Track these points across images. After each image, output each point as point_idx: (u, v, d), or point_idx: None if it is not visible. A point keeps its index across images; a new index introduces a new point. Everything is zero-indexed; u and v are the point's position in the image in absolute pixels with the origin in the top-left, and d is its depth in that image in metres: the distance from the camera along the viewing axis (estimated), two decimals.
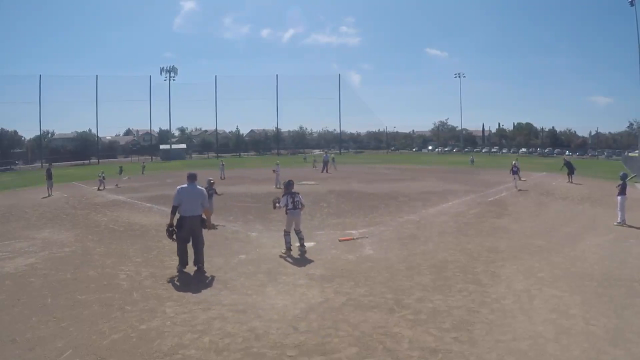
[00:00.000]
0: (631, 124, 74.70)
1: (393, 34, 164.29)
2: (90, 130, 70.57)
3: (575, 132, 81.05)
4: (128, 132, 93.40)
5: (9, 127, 68.21)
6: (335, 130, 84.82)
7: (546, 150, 70.22)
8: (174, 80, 69.01)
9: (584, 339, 4.57)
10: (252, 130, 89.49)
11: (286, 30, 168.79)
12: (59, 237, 10.34)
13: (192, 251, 7.27)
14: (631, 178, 14.64)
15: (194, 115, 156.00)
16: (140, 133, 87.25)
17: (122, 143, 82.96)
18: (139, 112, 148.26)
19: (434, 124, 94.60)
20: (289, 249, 8.24)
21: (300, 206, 8.39)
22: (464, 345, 4.45)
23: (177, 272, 7.11)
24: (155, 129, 79.08)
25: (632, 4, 37.73)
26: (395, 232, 10.36)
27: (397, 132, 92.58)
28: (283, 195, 8.42)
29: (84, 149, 65.23)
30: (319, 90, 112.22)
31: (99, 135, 69.58)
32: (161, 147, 69.78)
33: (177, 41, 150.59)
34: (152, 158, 63.19)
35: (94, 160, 59.05)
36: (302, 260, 7.84)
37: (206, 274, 6.99)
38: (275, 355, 4.31)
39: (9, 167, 51.25)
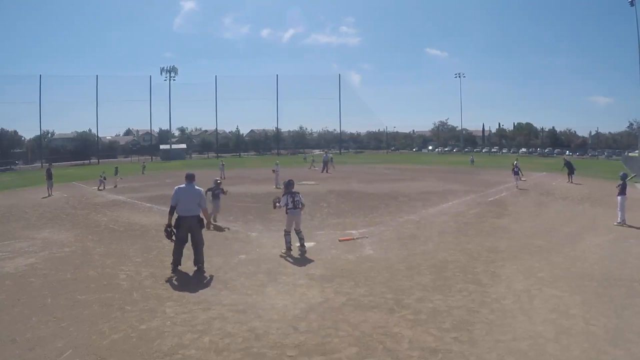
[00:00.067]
0: (631, 124, 74.85)
1: (393, 34, 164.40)
2: (90, 130, 70.63)
3: (575, 132, 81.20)
4: (128, 132, 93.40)
5: (9, 127, 68.32)
6: (335, 130, 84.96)
7: (546, 150, 70.22)
8: (174, 80, 69.08)
9: (584, 339, 4.57)
10: (252, 130, 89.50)
11: (286, 30, 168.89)
12: (59, 237, 10.34)
13: (192, 251, 7.28)
14: (631, 178, 14.64)
15: (194, 115, 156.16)
16: (140, 133, 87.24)
17: (122, 143, 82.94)
18: (139, 112, 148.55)
19: (434, 124, 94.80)
20: (289, 248, 8.24)
21: (300, 206, 8.39)
22: (464, 345, 4.45)
23: (171, 271, 7.12)
24: (155, 129, 79.18)
25: (632, 4, 37.73)
26: (395, 232, 10.36)
27: (397, 132, 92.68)
28: (283, 195, 8.42)
29: (84, 149, 65.20)
30: (319, 90, 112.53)
31: (99, 135, 69.66)
32: (161, 147, 69.75)
33: (177, 41, 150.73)
34: (152, 158, 63.19)
35: (94, 160, 59.06)
36: (302, 260, 7.84)
37: (206, 274, 6.99)
38: (275, 355, 4.31)
39: (9, 167, 51.23)
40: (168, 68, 68.98)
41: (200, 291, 6.22)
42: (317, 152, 63.86)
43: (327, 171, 29.83)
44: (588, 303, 5.61)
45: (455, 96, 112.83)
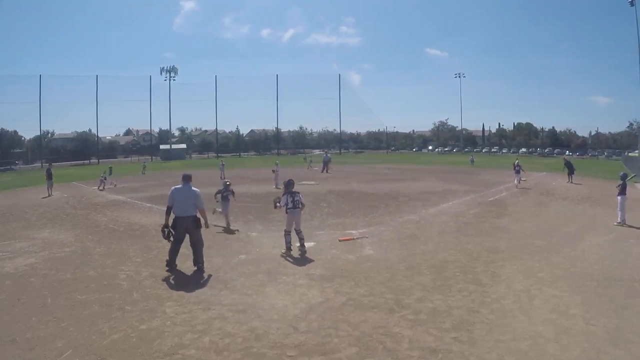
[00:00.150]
0: (631, 124, 74.82)
1: (393, 34, 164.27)
2: (90, 130, 70.55)
3: (575, 132, 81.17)
4: (128, 132, 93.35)
5: (9, 127, 68.21)
6: (335, 130, 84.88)
7: (546, 150, 70.21)
8: (174, 80, 69.01)
9: (584, 339, 4.57)
10: (252, 130, 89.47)
11: (286, 30, 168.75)
12: (59, 237, 10.34)
13: (192, 251, 7.29)
14: (631, 178, 14.64)
15: (194, 115, 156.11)
16: (140, 133, 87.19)
17: (122, 143, 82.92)
18: (139, 112, 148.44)
19: (434, 124, 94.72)
20: (289, 248, 8.25)
21: (300, 205, 8.39)
22: (464, 345, 4.45)
23: (166, 270, 7.14)
24: (155, 129, 79.12)
25: (632, 4, 37.70)
26: (395, 232, 10.36)
27: (397, 132, 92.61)
28: (283, 195, 8.43)
29: (84, 149, 65.16)
30: (319, 90, 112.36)
31: (99, 135, 69.56)
32: (161, 147, 69.71)
33: (177, 41, 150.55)
34: (152, 158, 63.16)
35: (94, 160, 59.01)
36: (302, 260, 7.84)
37: (206, 274, 6.99)
38: (275, 355, 4.31)
39: (9, 167, 51.20)
40: (168, 68, 68.95)
41: (200, 291, 6.22)
42: (317, 152, 63.86)
43: (327, 171, 29.81)
44: (588, 303, 5.61)
45: (455, 96, 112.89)
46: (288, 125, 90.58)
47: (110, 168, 25.14)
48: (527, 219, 12.18)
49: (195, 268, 7.17)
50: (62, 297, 6.02)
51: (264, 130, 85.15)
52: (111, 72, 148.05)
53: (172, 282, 6.70)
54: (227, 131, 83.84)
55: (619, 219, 10.98)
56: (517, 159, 23.71)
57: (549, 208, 14.17)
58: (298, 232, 8.33)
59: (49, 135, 72.20)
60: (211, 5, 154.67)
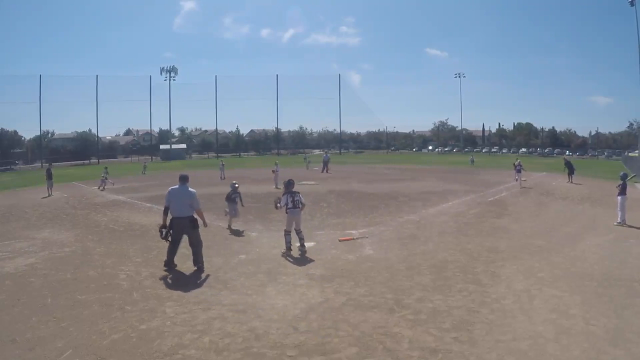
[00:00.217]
0: (631, 124, 74.80)
1: (393, 34, 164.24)
2: (90, 130, 70.52)
3: (575, 132, 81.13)
4: (128, 132, 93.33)
5: (9, 127, 68.18)
6: (335, 130, 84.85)
7: (546, 150, 70.20)
8: (174, 80, 68.99)
9: (584, 339, 4.57)
10: (252, 130, 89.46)
11: (286, 30, 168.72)
12: (59, 237, 10.34)
13: (191, 252, 7.30)
14: (631, 178, 14.63)
15: (194, 115, 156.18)
16: (140, 133, 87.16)
17: (122, 143, 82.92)
18: (139, 112, 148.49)
19: (434, 124, 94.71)
20: (289, 248, 8.25)
21: (300, 205, 8.39)
22: (464, 345, 4.45)
23: (164, 270, 7.17)
24: (155, 129, 79.09)
25: (632, 4, 37.68)
26: (395, 232, 10.36)
27: (397, 132, 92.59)
28: (283, 195, 8.43)
29: (84, 149, 65.16)
30: (319, 90, 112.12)
31: (99, 135, 69.51)
32: (161, 147, 69.68)
33: (177, 41, 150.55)
34: (152, 158, 63.12)
35: (94, 160, 58.98)
36: (302, 260, 7.84)
37: (206, 274, 6.99)
38: (275, 355, 4.31)
39: (9, 167, 51.19)
40: (168, 68, 68.90)
41: (200, 291, 6.22)
42: (317, 152, 63.84)
43: (327, 171, 29.82)
44: (588, 303, 5.61)
45: (455, 96, 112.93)
46: (288, 125, 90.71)
47: (106, 168, 25.02)
48: (527, 219, 12.18)
49: (195, 268, 7.18)
50: (62, 297, 6.02)
51: (264, 130, 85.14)
52: (111, 72, 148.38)
53: (172, 282, 6.70)
54: (227, 131, 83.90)
55: (619, 219, 10.98)
56: (518, 158, 23.76)
57: (549, 208, 14.17)
58: (298, 232, 8.33)
59: (49, 135, 72.21)
60: (211, 5, 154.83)
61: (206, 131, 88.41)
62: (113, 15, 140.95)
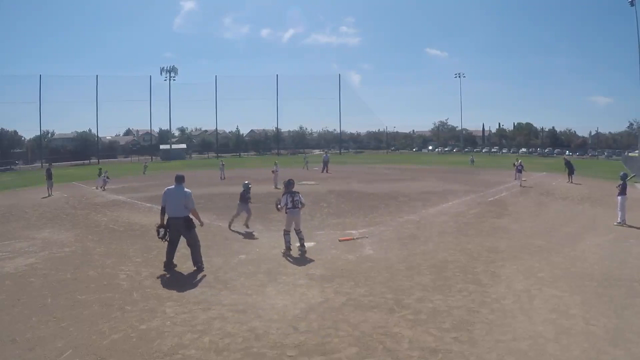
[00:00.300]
0: (631, 124, 74.81)
1: (393, 34, 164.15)
2: (90, 130, 70.56)
3: (575, 132, 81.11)
4: (128, 132, 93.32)
5: (9, 127, 68.21)
6: (335, 130, 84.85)
7: (546, 150, 70.19)
8: (174, 80, 69.00)
9: (584, 339, 4.57)
10: (252, 130, 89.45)
11: (286, 30, 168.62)
12: (59, 237, 10.34)
13: (190, 252, 7.32)
14: (631, 178, 14.63)
15: (194, 115, 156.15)
16: (140, 133, 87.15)
17: (122, 143, 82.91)
18: (139, 112, 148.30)
19: (434, 124, 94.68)
20: (288, 248, 8.25)
21: (299, 205, 8.38)
22: (464, 345, 4.45)
23: (163, 270, 7.18)
24: (155, 129, 79.07)
25: (632, 4, 37.70)
26: (395, 232, 10.35)
27: (397, 132, 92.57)
28: (283, 195, 8.43)
29: (84, 149, 65.18)
30: (319, 90, 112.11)
31: (99, 135, 69.55)
32: (161, 147, 69.70)
33: (177, 41, 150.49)
34: (152, 158, 63.11)
35: (94, 160, 58.96)
36: (302, 260, 7.84)
37: (206, 274, 6.99)
38: (275, 355, 4.31)
39: (9, 167, 51.20)
40: (168, 68, 68.91)
41: (200, 291, 6.22)
42: (317, 152, 63.83)
43: (327, 171, 29.83)
44: (588, 303, 5.61)
45: (455, 96, 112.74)
46: (288, 125, 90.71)
47: (100, 169, 25.01)
48: (527, 219, 12.18)
49: (195, 268, 7.18)
50: (62, 297, 6.02)
51: (264, 130, 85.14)
52: (111, 72, 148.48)
53: (172, 282, 6.70)
54: (227, 131, 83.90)
55: (619, 219, 10.98)
56: (518, 158, 23.78)
57: (549, 208, 14.17)
58: (298, 232, 8.33)
59: (49, 135, 72.22)
60: (211, 5, 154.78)
61: (206, 131, 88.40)
62: (113, 15, 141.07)
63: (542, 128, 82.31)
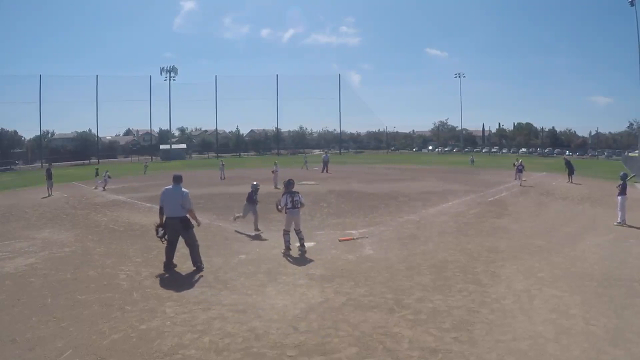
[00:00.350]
0: (631, 124, 74.80)
1: (393, 34, 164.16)
2: (90, 130, 70.60)
3: (575, 132, 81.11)
4: (128, 132, 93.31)
5: (9, 127, 68.23)
6: (335, 130, 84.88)
7: (546, 150, 70.17)
8: (174, 80, 69.03)
9: (584, 339, 4.57)
10: (252, 130, 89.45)
11: (286, 30, 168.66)
12: (59, 237, 10.34)
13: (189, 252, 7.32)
14: (631, 178, 14.63)
15: (194, 115, 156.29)
16: (140, 133, 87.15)
17: (122, 143, 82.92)
18: (139, 112, 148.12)
19: (434, 124, 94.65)
20: (287, 248, 8.25)
21: (299, 205, 8.38)
22: (464, 345, 4.45)
23: (163, 269, 7.19)
24: (155, 129, 79.09)
25: (632, 4, 37.70)
26: (395, 232, 10.35)
27: (397, 132, 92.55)
28: (283, 195, 8.43)
29: (84, 149, 65.20)
30: (319, 90, 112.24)
31: (99, 135, 69.63)
32: (161, 147, 69.72)
33: (177, 41, 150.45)
34: (152, 158, 63.13)
35: (94, 160, 58.95)
36: (302, 260, 7.84)
37: (206, 274, 6.99)
38: (275, 355, 4.31)
39: (9, 167, 51.23)
40: (168, 68, 68.96)
41: (200, 291, 6.22)
42: (317, 152, 63.82)
43: (327, 171, 29.84)
44: (588, 303, 5.61)
45: (455, 96, 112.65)
46: (288, 125, 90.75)
47: (97, 169, 24.98)
48: (527, 219, 12.17)
49: (195, 268, 7.19)
50: (62, 297, 6.02)
51: (264, 130, 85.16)
52: (111, 72, 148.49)
53: (172, 282, 6.70)
54: (227, 131, 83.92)
55: (619, 219, 10.97)
56: (519, 158, 23.80)
57: (549, 208, 14.17)
58: (298, 232, 8.33)
59: (49, 135, 72.23)
60: (211, 5, 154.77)
61: (206, 131, 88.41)
62: (113, 15, 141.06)
63: (542, 128, 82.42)
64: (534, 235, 9.82)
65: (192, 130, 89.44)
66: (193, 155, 70.84)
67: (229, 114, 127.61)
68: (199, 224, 7.46)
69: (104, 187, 21.74)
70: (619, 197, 11.14)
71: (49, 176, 20.38)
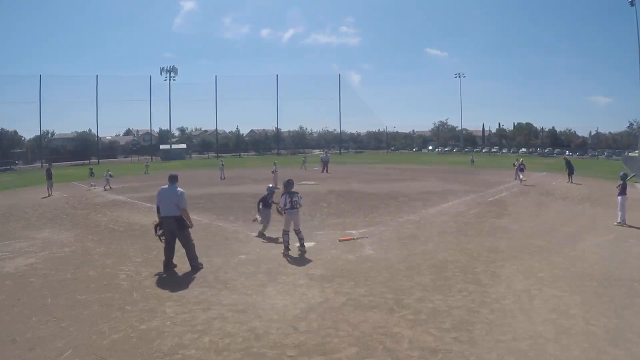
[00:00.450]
0: (631, 124, 74.83)
1: (393, 34, 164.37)
2: (90, 130, 70.61)
3: (575, 132, 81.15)
4: (128, 132, 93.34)
5: (9, 127, 68.30)
6: (335, 130, 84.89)
7: (546, 150, 70.18)
8: (174, 80, 69.02)
9: (584, 339, 4.57)
10: (252, 130, 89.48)
11: (286, 30, 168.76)
12: (59, 237, 10.34)
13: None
14: (631, 178, 14.63)
15: (194, 115, 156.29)
16: (140, 133, 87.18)
17: (122, 143, 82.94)
18: (139, 112, 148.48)
19: (434, 124, 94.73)
20: (287, 247, 8.25)
21: (298, 206, 8.38)
22: (464, 345, 4.45)
23: (163, 270, 7.19)
24: (155, 129, 79.11)
25: (632, 4, 37.71)
26: (395, 232, 10.35)
27: (397, 132, 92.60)
28: (282, 195, 8.43)
29: (84, 149, 65.22)
30: (319, 90, 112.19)
31: (99, 135, 69.60)
32: (161, 147, 69.71)
33: (177, 41, 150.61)
34: (152, 158, 63.13)
35: (94, 161, 58.97)
36: (302, 260, 7.84)
37: (205, 274, 6.99)
38: (275, 355, 4.31)
39: (9, 167, 51.24)
40: (168, 68, 68.93)
41: (200, 291, 6.22)
42: (317, 152, 63.82)
43: (326, 171, 29.85)
44: (588, 303, 5.61)
45: (455, 96, 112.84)
46: (288, 125, 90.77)
47: (91, 169, 24.94)
48: (527, 219, 12.17)
49: (191, 268, 7.20)
50: (62, 297, 6.02)
51: (264, 130, 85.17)
52: (111, 72, 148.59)
53: (172, 282, 6.70)
54: (227, 131, 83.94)
55: (619, 219, 10.97)
56: (520, 158, 23.81)
57: (549, 208, 14.16)
58: (297, 232, 8.33)
59: (49, 135, 72.24)
60: (211, 5, 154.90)
61: (206, 131, 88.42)
62: (113, 15, 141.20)
63: (542, 128, 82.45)
64: (534, 235, 9.82)
65: (192, 130, 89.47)
66: (193, 155, 70.84)
67: (229, 114, 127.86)
68: (191, 226, 7.40)
69: (107, 187, 21.65)
70: (619, 197, 11.14)
71: (49, 176, 20.39)
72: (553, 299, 5.79)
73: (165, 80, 68.58)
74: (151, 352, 4.37)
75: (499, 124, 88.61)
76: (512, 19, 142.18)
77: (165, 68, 68.92)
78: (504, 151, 74.79)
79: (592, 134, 79.07)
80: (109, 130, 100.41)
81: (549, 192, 18.55)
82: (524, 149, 73.07)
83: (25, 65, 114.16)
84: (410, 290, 6.14)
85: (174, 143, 72.41)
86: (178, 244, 7.28)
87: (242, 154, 72.94)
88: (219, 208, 14.52)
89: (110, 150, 71.38)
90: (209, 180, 25.37)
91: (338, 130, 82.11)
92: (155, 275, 7.00)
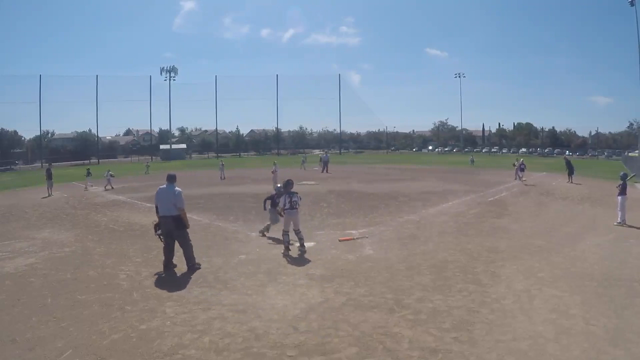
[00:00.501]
0: (631, 124, 74.84)
1: (393, 34, 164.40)
2: (90, 130, 70.61)
3: (575, 132, 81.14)
4: (128, 132, 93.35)
5: (9, 127, 68.27)
6: (335, 130, 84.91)
7: (546, 150, 70.17)
8: (174, 80, 69.03)
9: (584, 339, 4.57)
10: (252, 130, 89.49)
11: (286, 30, 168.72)
12: (59, 237, 10.34)
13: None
14: (631, 178, 14.63)
15: (194, 115, 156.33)
16: (140, 133, 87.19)
17: (122, 143, 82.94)
18: (139, 112, 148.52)
19: (434, 124, 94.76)
20: (287, 247, 8.25)
21: (297, 206, 8.37)
22: (464, 345, 4.45)
23: (163, 270, 7.19)
24: (155, 129, 79.15)
25: (632, 4, 37.68)
26: (395, 232, 10.35)
27: (397, 132, 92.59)
28: (282, 195, 8.43)
29: (84, 149, 65.22)
30: (319, 90, 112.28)
31: (99, 135, 69.60)
32: (161, 147, 69.72)
33: (177, 41, 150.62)
34: (152, 158, 63.13)
35: (94, 160, 59.03)
36: (302, 260, 7.84)
37: (205, 274, 6.99)
38: (275, 355, 4.31)
39: (9, 167, 51.25)
40: (168, 68, 68.95)
41: (200, 291, 6.22)
42: (317, 152, 63.82)
43: (326, 171, 29.86)
44: (588, 303, 5.61)
45: (455, 96, 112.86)
46: (288, 125, 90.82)
47: (88, 169, 24.92)
48: (527, 219, 12.17)
49: (188, 268, 7.20)
50: (62, 297, 6.02)
51: (264, 130, 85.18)
52: (111, 72, 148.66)
53: (172, 282, 6.70)
54: (227, 131, 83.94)
55: (619, 219, 10.97)
56: (520, 158, 23.81)
57: (549, 208, 14.16)
58: (297, 232, 8.33)
59: (49, 135, 72.25)
60: (211, 5, 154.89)
61: (206, 131, 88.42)
62: (113, 15, 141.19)
63: (542, 128, 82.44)
64: (534, 235, 9.82)
65: (192, 130, 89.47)
66: (193, 155, 70.84)
67: (229, 114, 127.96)
68: (188, 227, 7.38)
69: (108, 187, 21.63)
70: (619, 197, 11.14)
71: (49, 176, 20.39)
72: (553, 299, 5.79)
73: (165, 80, 68.68)
74: (151, 352, 4.37)
75: (499, 124, 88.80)
76: (512, 19, 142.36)
77: (165, 68, 69.01)
78: (504, 151, 74.78)
79: (592, 134, 79.12)
80: (109, 130, 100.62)
81: (549, 192, 18.55)
82: (524, 149, 73.06)
83: (25, 65, 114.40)
84: (410, 290, 6.14)
85: (174, 143, 72.41)
86: (178, 244, 7.29)
87: (242, 154, 72.95)
88: (219, 208, 14.53)
89: (110, 150, 71.38)
90: (209, 180, 25.37)
91: (338, 130, 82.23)
92: (155, 275, 7.00)
